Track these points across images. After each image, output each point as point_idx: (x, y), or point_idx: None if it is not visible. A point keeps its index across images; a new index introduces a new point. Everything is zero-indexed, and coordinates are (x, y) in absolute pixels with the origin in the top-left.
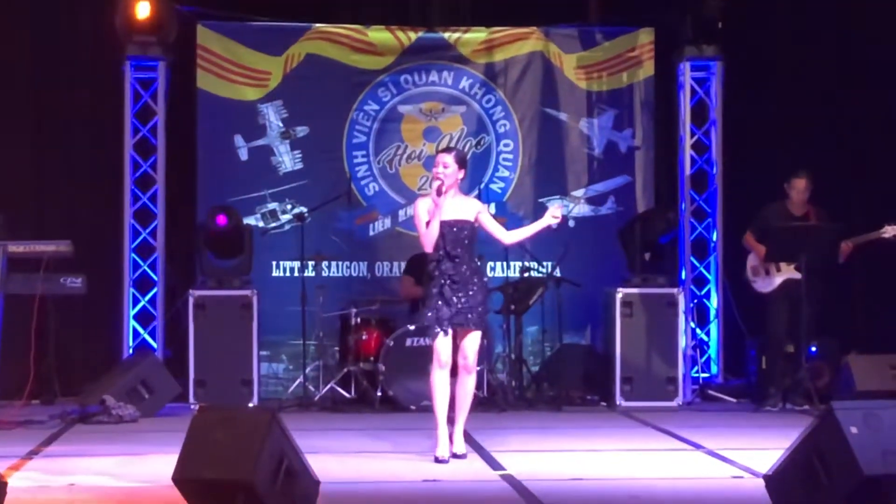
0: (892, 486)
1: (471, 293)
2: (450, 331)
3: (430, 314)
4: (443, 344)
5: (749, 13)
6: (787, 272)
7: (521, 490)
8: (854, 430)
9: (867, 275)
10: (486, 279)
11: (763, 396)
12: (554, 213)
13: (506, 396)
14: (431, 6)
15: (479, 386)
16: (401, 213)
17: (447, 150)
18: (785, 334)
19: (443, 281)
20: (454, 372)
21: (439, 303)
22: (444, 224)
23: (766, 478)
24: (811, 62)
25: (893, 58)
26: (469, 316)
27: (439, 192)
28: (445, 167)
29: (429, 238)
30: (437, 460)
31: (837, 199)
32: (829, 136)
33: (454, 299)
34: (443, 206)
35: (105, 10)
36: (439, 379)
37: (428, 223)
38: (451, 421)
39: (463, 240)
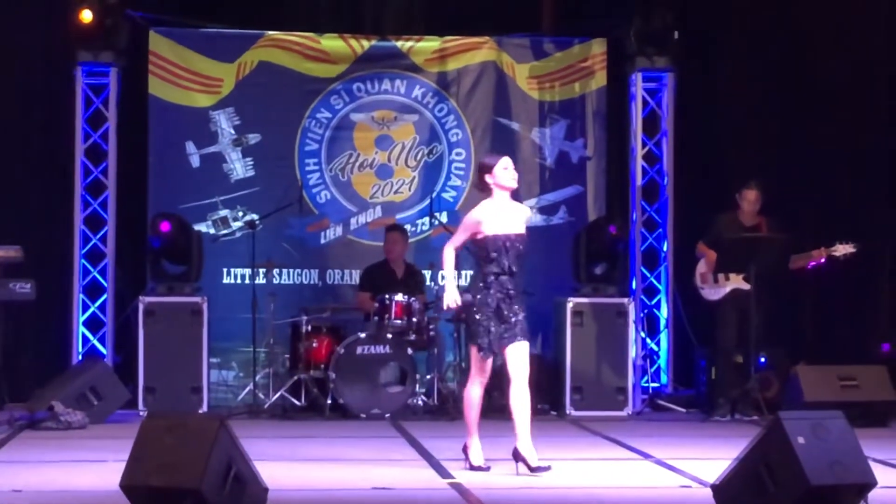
0: (838, 496)
1: (517, 306)
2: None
3: (483, 336)
4: (489, 365)
5: (700, 25)
6: (735, 281)
7: (470, 498)
8: (801, 440)
9: (816, 285)
10: None
11: (712, 406)
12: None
13: (456, 405)
14: (384, 15)
15: (428, 394)
16: (352, 221)
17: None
18: (734, 345)
19: (500, 296)
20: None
21: (492, 324)
22: (505, 238)
23: (714, 487)
24: (762, 73)
25: (844, 69)
26: (520, 329)
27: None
28: (514, 168)
29: (447, 266)
30: (475, 468)
31: (788, 210)
32: (780, 148)
33: (508, 314)
34: (509, 214)
35: (56, 15)
36: (478, 395)
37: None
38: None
39: (522, 254)
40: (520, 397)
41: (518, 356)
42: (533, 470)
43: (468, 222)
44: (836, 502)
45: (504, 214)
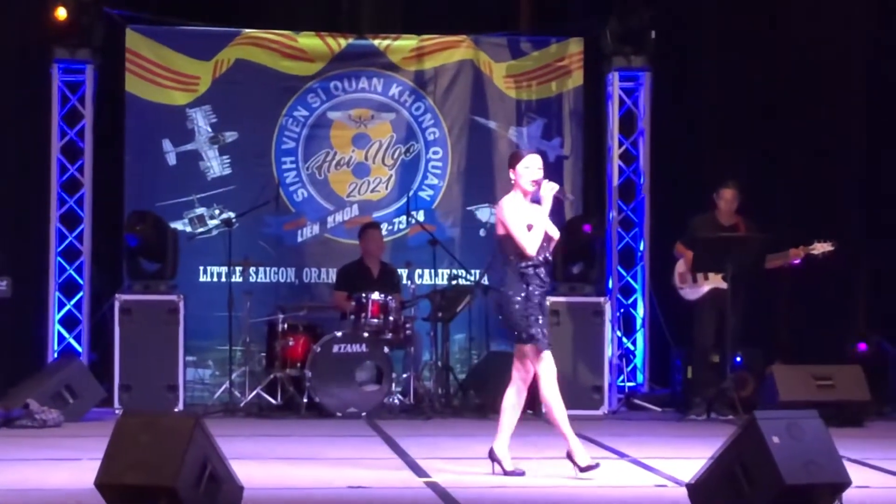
0: (813, 495)
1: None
2: None
3: (538, 327)
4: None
5: (677, 24)
6: (714, 281)
7: (446, 497)
8: (776, 439)
9: (792, 285)
10: None
11: (688, 405)
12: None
13: (432, 404)
14: (362, 13)
15: (405, 393)
16: (329, 219)
17: (536, 151)
18: (712, 344)
19: (541, 289)
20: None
21: (540, 317)
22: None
23: (689, 486)
24: (739, 73)
25: (821, 69)
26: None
27: (526, 195)
28: (540, 169)
29: (536, 242)
30: (585, 469)
31: (766, 209)
32: (757, 147)
33: (545, 307)
34: (545, 210)
35: (32, 13)
36: (556, 391)
37: (529, 227)
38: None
39: (551, 246)
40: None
41: (552, 361)
42: (507, 473)
43: (515, 217)
44: (811, 502)
45: (530, 208)
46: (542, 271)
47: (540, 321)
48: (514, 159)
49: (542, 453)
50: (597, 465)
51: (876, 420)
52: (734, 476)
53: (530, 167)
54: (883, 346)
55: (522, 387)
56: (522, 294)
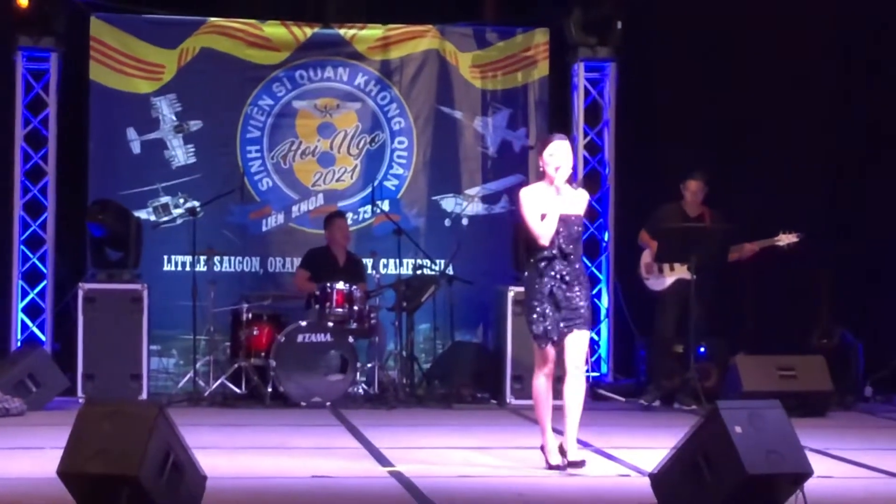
0: (774, 485)
1: (579, 291)
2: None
3: (538, 323)
4: (552, 353)
5: (643, 15)
6: (679, 272)
7: (410, 487)
8: (738, 429)
9: (756, 277)
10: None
11: (644, 392)
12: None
13: (396, 393)
14: (327, 2)
15: (369, 383)
16: (294, 208)
17: (564, 135)
18: (674, 334)
19: (553, 282)
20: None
21: (548, 310)
22: (560, 218)
23: (652, 476)
24: (704, 64)
25: (786, 61)
26: (580, 316)
27: (551, 182)
28: (564, 155)
29: (546, 231)
30: (553, 467)
31: (731, 201)
32: (722, 138)
33: (564, 300)
34: (563, 199)
35: None
36: (545, 387)
37: (542, 216)
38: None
39: (578, 235)
40: (574, 390)
41: (576, 345)
42: (571, 464)
43: (530, 205)
44: (772, 491)
45: (554, 197)
46: (558, 264)
47: (547, 316)
48: (542, 146)
49: (507, 443)
50: (565, 468)
51: (838, 410)
52: (696, 466)
53: (554, 154)
54: (846, 338)
55: (543, 378)
56: (535, 286)
